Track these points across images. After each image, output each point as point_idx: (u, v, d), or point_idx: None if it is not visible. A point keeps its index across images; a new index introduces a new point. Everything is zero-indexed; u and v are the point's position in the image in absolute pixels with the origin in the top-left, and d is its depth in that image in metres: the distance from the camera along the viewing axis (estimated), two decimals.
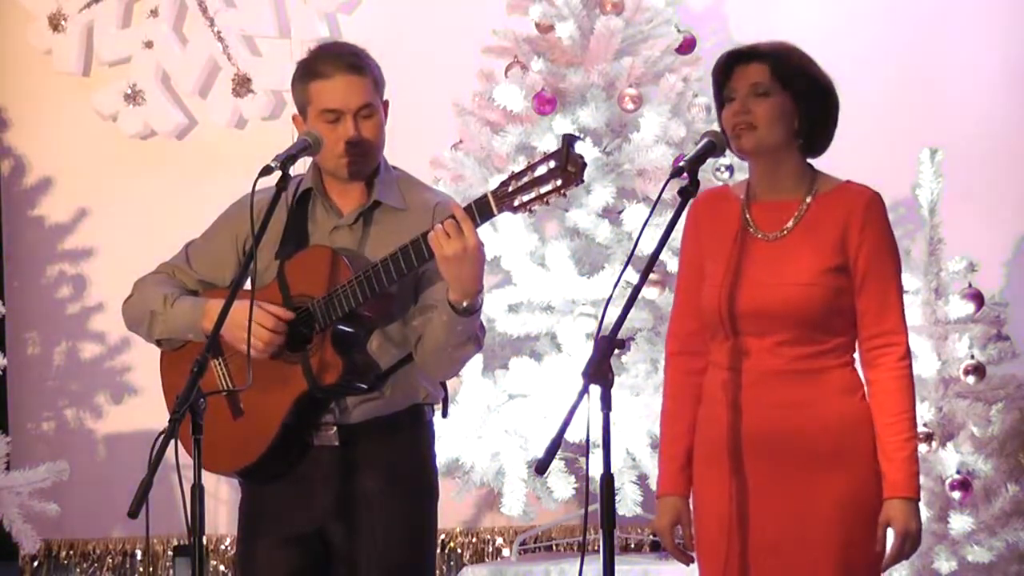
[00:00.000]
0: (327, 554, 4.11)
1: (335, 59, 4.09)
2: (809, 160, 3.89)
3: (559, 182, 3.83)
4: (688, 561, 3.90)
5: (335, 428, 4.07)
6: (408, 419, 4.13)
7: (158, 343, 4.23)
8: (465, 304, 3.93)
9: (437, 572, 6.78)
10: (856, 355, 3.86)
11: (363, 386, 4.03)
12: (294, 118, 4.18)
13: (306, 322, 4.02)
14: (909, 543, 3.75)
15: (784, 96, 3.80)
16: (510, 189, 3.86)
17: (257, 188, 4.10)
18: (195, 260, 4.22)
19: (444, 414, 4.23)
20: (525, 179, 3.85)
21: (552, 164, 3.83)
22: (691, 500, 3.91)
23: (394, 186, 4.15)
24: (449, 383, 6.06)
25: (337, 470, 4.08)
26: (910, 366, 3.81)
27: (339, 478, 4.07)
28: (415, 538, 4.13)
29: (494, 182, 3.92)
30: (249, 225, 4.10)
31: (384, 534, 4.06)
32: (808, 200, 3.84)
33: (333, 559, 4.11)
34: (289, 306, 4.03)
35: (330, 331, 3.98)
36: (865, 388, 3.82)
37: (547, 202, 3.86)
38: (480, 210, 3.88)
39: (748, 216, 3.87)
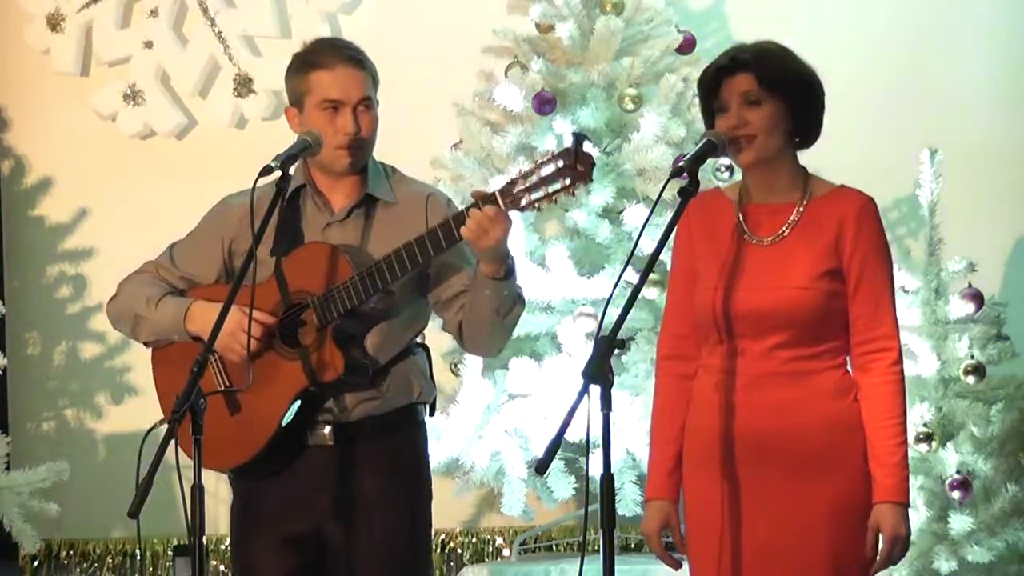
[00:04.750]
0: (324, 554, 4.11)
1: (336, 51, 4.11)
2: (805, 156, 3.89)
3: (568, 180, 3.83)
4: (676, 565, 3.90)
5: (328, 427, 4.07)
6: (402, 418, 4.13)
7: (145, 344, 4.23)
8: (503, 270, 3.94)
9: (437, 572, 6.80)
10: (849, 358, 3.86)
11: (363, 382, 4.03)
12: (287, 111, 4.17)
13: (300, 318, 4.02)
14: (898, 548, 3.76)
15: (775, 101, 3.79)
16: (516, 189, 3.87)
17: (240, 189, 4.13)
18: (179, 259, 4.22)
19: (431, 412, 4.23)
20: (533, 178, 3.85)
21: (561, 163, 3.83)
22: (681, 503, 3.91)
23: (384, 180, 4.16)
24: (449, 383, 6.09)
25: (332, 470, 4.08)
26: (902, 371, 3.81)
27: (335, 478, 4.07)
28: (413, 537, 4.14)
29: (494, 182, 3.93)
30: (234, 225, 4.14)
31: (381, 533, 4.06)
32: (803, 204, 3.84)
33: (330, 559, 4.11)
34: (288, 303, 4.03)
35: (332, 327, 3.98)
36: (857, 391, 3.82)
37: (555, 201, 3.86)
38: None
39: (742, 220, 3.87)
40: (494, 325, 4.04)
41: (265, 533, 4.12)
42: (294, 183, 4.09)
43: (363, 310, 4.00)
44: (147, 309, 4.15)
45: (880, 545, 3.76)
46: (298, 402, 4.02)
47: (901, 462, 3.75)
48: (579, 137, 3.85)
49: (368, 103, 4.10)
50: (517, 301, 4.05)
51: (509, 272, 3.98)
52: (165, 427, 4.12)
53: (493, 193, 3.88)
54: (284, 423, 4.02)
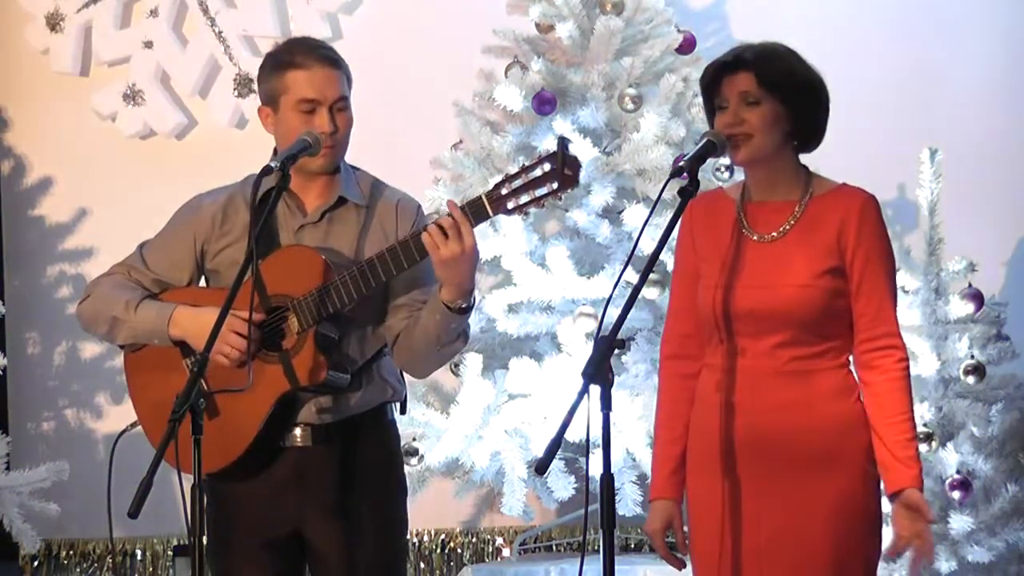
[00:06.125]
0: (304, 554, 4.12)
1: (311, 51, 4.10)
2: (804, 157, 3.89)
3: (555, 185, 3.83)
4: (679, 565, 3.90)
5: (304, 428, 4.07)
6: (376, 417, 4.14)
7: (120, 346, 4.23)
8: (460, 303, 3.93)
9: (437, 572, 6.80)
10: (851, 357, 3.86)
11: (344, 384, 4.03)
12: (260, 111, 4.16)
13: (280, 322, 4.01)
14: (929, 529, 3.78)
15: (774, 102, 3.79)
16: (504, 192, 3.86)
17: (206, 189, 4.19)
18: (151, 260, 4.20)
19: (402, 411, 4.23)
20: (519, 181, 3.85)
21: (547, 167, 3.83)
22: (685, 502, 3.91)
23: (354, 182, 4.15)
24: (449, 383, 6.09)
25: (308, 470, 4.08)
26: (908, 368, 3.81)
27: (311, 478, 4.07)
28: (390, 536, 4.13)
29: (494, 182, 3.92)
30: (206, 226, 4.14)
31: (359, 533, 4.06)
32: (804, 202, 3.84)
33: (310, 559, 4.12)
34: (267, 306, 4.02)
35: (313, 331, 3.98)
36: (860, 390, 3.82)
37: (542, 205, 3.86)
38: (474, 212, 3.88)
39: (743, 218, 3.87)
40: (430, 350, 4.03)
41: (244, 539, 4.11)
42: (265, 186, 4.03)
43: (344, 314, 4.00)
44: (125, 312, 4.13)
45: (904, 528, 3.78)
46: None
47: (915, 456, 3.77)
48: (564, 141, 3.85)
49: (344, 103, 4.09)
50: (461, 337, 4.04)
51: (465, 310, 3.95)
52: (139, 429, 4.15)
53: (479, 196, 3.88)
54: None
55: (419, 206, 4.21)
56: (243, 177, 4.22)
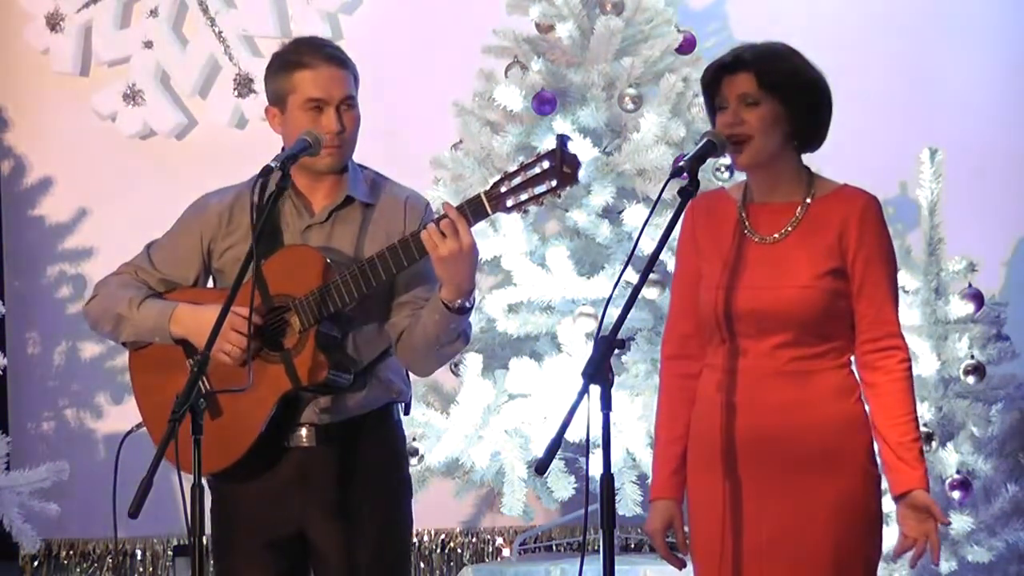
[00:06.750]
0: (307, 554, 4.12)
1: (319, 50, 4.10)
2: (806, 158, 3.88)
3: (554, 182, 3.84)
4: (680, 565, 3.90)
5: (308, 429, 4.07)
6: (381, 417, 4.14)
7: (123, 344, 4.23)
8: (459, 303, 3.93)
9: (437, 572, 6.80)
10: (852, 357, 3.86)
11: (346, 384, 4.02)
12: (267, 110, 4.16)
13: (282, 321, 4.01)
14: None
15: (774, 103, 3.78)
16: (503, 189, 3.87)
17: (206, 189, 4.18)
18: (157, 259, 4.21)
19: (407, 412, 4.23)
20: (518, 179, 3.85)
21: (546, 164, 3.83)
22: (685, 502, 3.91)
23: (362, 182, 4.15)
24: (449, 383, 6.09)
25: (312, 471, 4.07)
26: (911, 368, 3.82)
27: (314, 479, 4.07)
28: (393, 535, 4.13)
29: (493, 182, 3.92)
30: (213, 225, 4.14)
31: (363, 533, 4.05)
32: (805, 203, 3.84)
33: (312, 559, 4.12)
34: (269, 305, 4.02)
35: (314, 330, 3.98)
36: (861, 390, 3.82)
37: (541, 202, 3.86)
38: (473, 210, 3.88)
39: (745, 218, 3.87)
40: (430, 349, 4.03)
41: (247, 539, 4.10)
42: (270, 186, 4.02)
43: (346, 313, 4.00)
44: (128, 310, 4.14)
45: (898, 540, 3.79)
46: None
47: (920, 456, 3.78)
48: (563, 139, 3.85)
49: (351, 102, 4.09)
50: (461, 338, 4.04)
51: (464, 309, 3.96)
52: (143, 429, 4.15)
53: (478, 195, 3.88)
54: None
55: (427, 203, 4.20)
56: (246, 177, 4.21)
